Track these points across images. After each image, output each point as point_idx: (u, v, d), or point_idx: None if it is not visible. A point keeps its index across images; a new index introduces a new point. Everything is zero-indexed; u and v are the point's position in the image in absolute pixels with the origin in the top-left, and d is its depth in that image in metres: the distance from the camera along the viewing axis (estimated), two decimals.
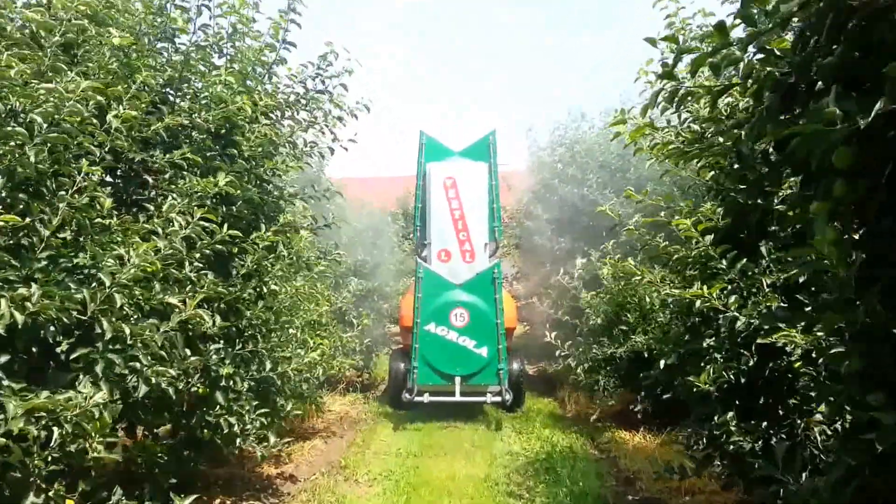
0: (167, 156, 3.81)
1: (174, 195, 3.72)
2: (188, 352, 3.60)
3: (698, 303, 3.73)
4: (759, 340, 3.60)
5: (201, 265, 3.72)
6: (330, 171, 11.37)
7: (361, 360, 9.77)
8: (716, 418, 3.94)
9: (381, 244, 11.26)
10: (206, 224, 3.49)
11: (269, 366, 4.51)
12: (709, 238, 3.82)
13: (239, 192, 4.18)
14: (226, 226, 3.77)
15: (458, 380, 7.90)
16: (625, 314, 7.02)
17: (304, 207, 5.20)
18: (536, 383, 11.07)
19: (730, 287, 3.83)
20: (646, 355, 6.83)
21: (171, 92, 4.24)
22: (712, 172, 4.10)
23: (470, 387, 7.98)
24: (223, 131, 4.24)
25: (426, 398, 7.87)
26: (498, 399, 7.94)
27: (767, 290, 3.81)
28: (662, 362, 4.34)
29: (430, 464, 6.40)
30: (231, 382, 4.22)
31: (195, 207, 3.67)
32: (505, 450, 6.93)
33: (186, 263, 3.74)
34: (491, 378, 7.95)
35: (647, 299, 6.84)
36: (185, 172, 3.91)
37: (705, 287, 3.70)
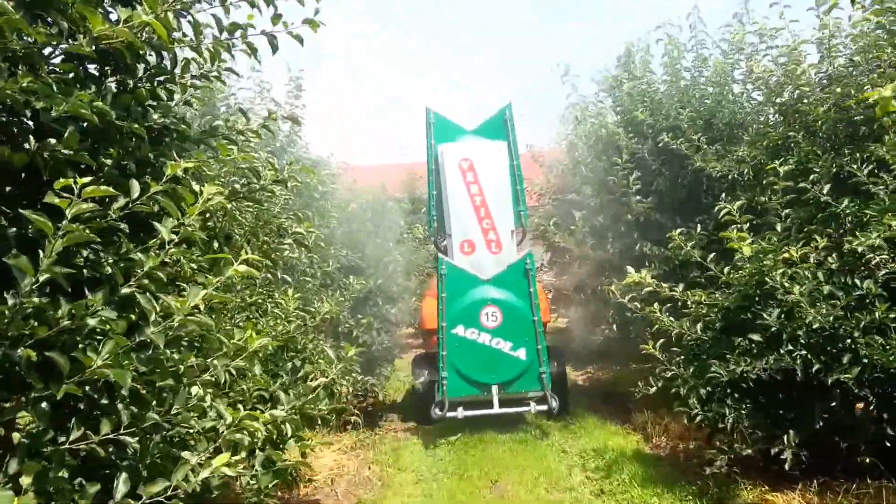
0: None
1: None
2: None
3: None
4: None
5: None
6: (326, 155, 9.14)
7: (364, 380, 7.33)
8: None
9: (386, 234, 8.79)
10: None
11: (122, 489, 2.03)
12: None
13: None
14: None
15: (495, 388, 6.86)
16: (760, 313, 4.52)
17: (221, 148, 2.74)
18: (592, 397, 8.60)
19: None
20: (799, 376, 4.39)
21: None
22: None
23: (509, 395, 6.97)
24: None
25: (460, 413, 6.82)
26: (543, 407, 6.91)
27: None
28: None
29: None
30: None
31: None
32: None
33: None
34: (532, 383, 6.95)
35: (794, 290, 4.36)
36: None
37: None
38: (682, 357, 4.93)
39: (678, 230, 5.19)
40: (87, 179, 1.88)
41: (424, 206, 11.13)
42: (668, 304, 5.11)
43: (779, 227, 4.56)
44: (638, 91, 6.76)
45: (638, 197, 6.61)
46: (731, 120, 6.11)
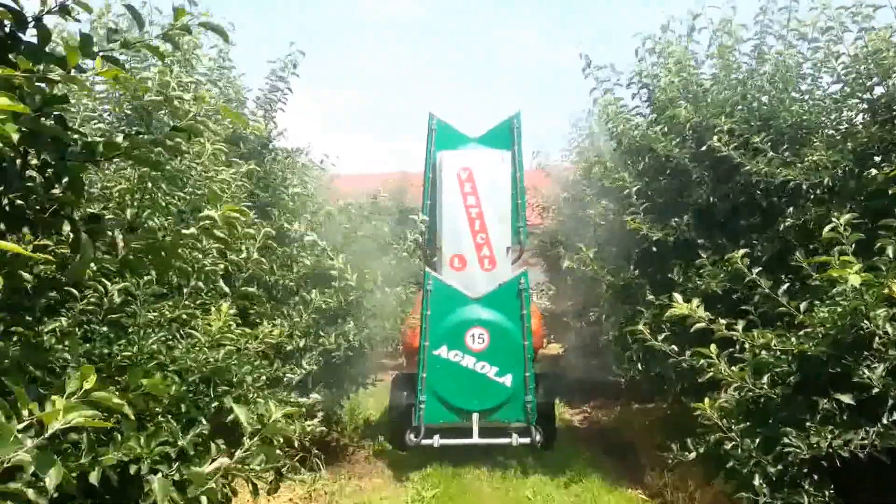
0: None
1: None
2: None
3: None
4: None
5: None
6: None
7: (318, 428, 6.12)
8: None
9: (363, 243, 7.59)
10: None
11: None
12: None
13: None
14: None
15: (475, 416, 6.39)
16: (855, 367, 3.35)
17: (70, 56, 1.55)
18: (594, 446, 7.40)
19: None
20: None
21: None
22: None
23: (491, 424, 6.47)
24: None
25: (436, 441, 6.33)
26: (526, 440, 6.41)
27: None
28: None
29: None
30: None
31: None
32: None
33: None
34: (516, 413, 6.46)
35: None
36: None
37: None
38: (741, 419, 3.73)
39: (741, 251, 4.02)
40: None
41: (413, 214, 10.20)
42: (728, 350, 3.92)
43: (891, 252, 3.39)
44: (679, 84, 5.58)
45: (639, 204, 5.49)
46: (797, 120, 4.98)
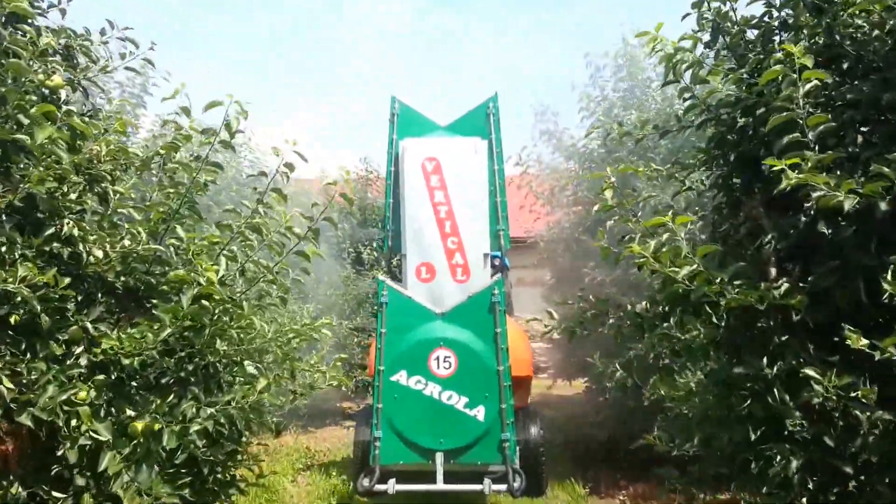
0: None
1: None
2: None
3: None
4: None
5: None
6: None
7: None
8: None
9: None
10: None
11: None
12: None
13: None
14: None
15: (440, 457, 5.44)
16: None
17: None
18: None
19: None
20: None
21: None
22: None
23: (459, 467, 5.50)
24: None
25: (391, 487, 5.36)
26: (502, 487, 5.33)
27: None
28: None
29: None
30: None
31: None
32: None
33: None
34: (491, 454, 5.49)
35: None
36: None
37: None
38: None
39: None
40: None
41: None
42: None
43: None
44: None
45: None
46: None
